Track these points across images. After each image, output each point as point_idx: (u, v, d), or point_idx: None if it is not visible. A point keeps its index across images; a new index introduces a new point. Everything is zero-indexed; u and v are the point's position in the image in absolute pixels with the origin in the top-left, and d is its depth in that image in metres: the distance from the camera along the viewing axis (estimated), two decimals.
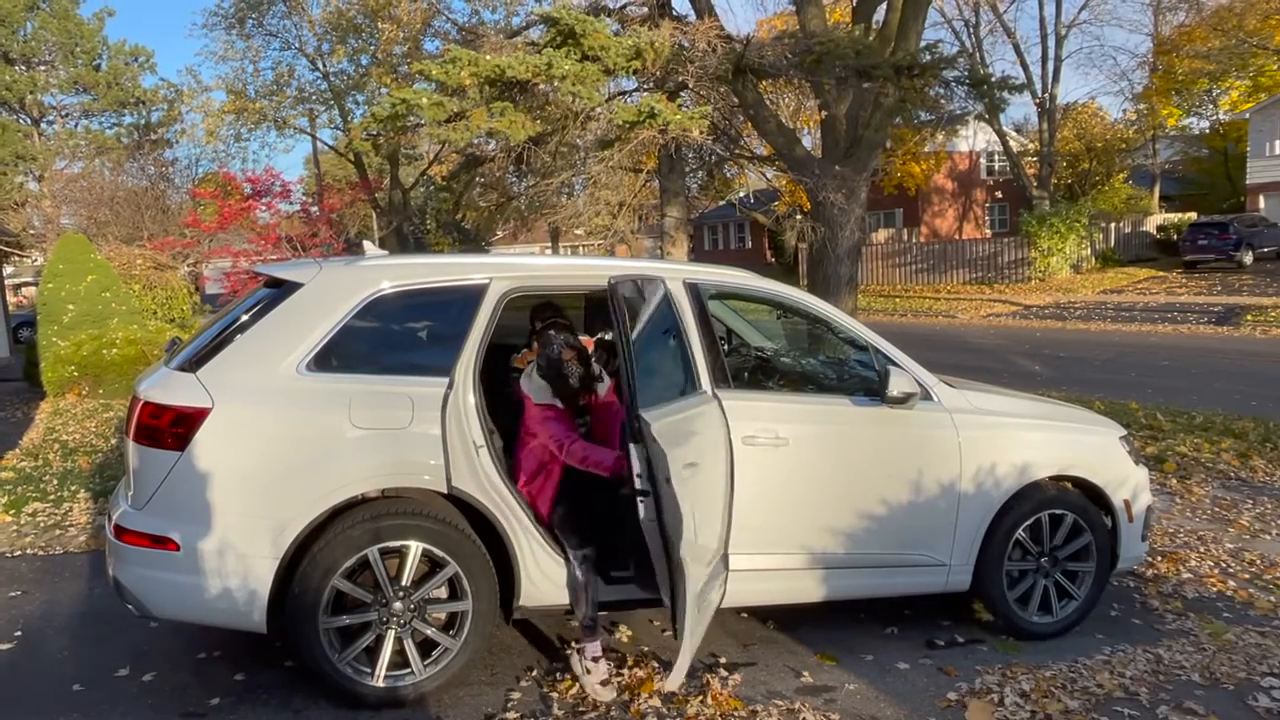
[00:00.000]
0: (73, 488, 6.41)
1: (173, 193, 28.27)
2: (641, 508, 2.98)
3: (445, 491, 3.27)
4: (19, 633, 3.95)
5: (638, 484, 2.97)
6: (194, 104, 27.77)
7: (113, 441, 8.05)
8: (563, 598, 3.42)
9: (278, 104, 27.04)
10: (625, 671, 3.48)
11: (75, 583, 4.60)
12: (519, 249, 38.88)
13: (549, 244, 40.70)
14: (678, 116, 10.19)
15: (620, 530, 3.40)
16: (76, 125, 31.32)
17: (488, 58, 10.40)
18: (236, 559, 3.06)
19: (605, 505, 3.50)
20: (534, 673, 3.52)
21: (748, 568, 3.49)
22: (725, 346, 4.39)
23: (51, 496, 6.21)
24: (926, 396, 3.76)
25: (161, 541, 3.08)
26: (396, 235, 28.08)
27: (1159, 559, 4.89)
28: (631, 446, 2.97)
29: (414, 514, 3.25)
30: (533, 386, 3.53)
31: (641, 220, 25.27)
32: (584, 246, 41.07)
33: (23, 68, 29.78)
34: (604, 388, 3.75)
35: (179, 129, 31.20)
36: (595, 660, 3.37)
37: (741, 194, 28.33)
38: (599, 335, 5.09)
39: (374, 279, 3.37)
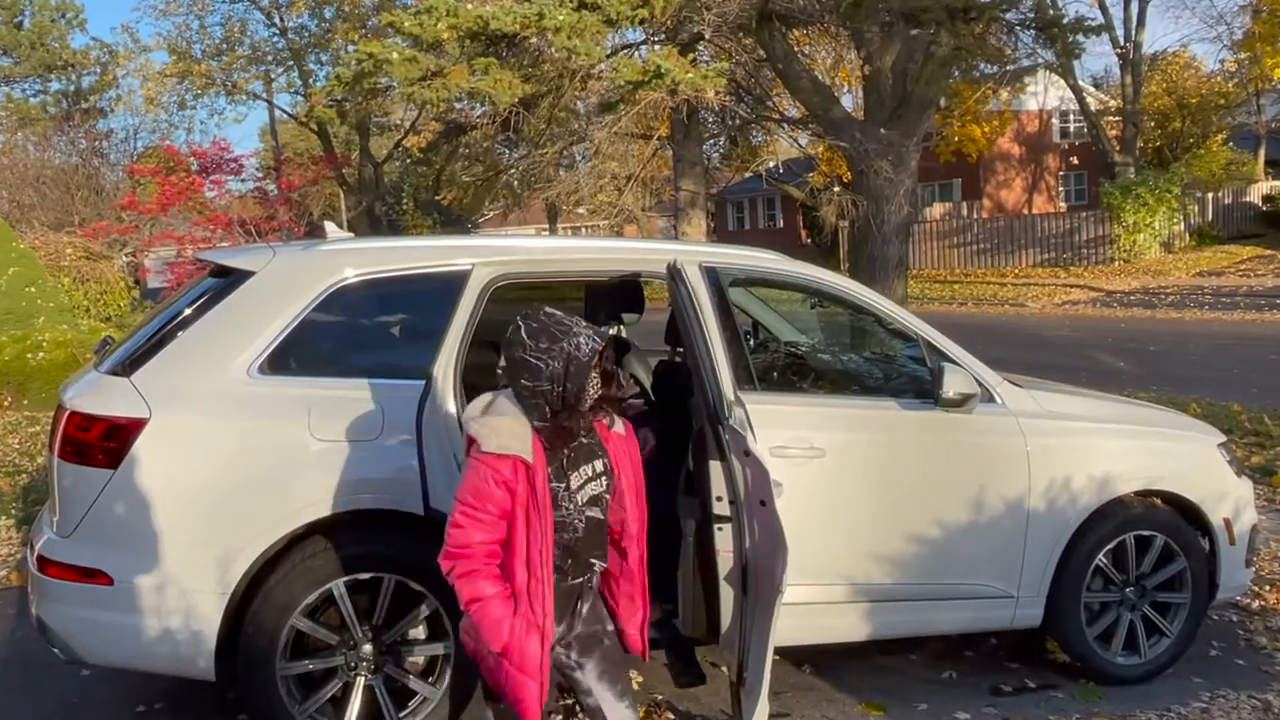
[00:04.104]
0: None
1: (107, 170, 28.48)
2: (719, 537, 3.00)
3: (423, 514, 3.27)
4: None
5: (718, 509, 2.98)
6: (131, 67, 27.98)
7: (39, 460, 8.12)
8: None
9: (228, 65, 27.21)
10: None
11: None
12: (510, 231, 38.99)
13: (545, 225, 40.75)
14: (689, 75, 10.19)
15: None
16: None
17: (469, 7, 10.44)
18: (179, 595, 3.07)
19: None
20: None
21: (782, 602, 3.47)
22: (750, 342, 4.39)
23: None
24: (988, 398, 3.74)
25: (92, 575, 3.09)
26: (368, 216, 28.23)
27: (1266, 588, 4.84)
28: (713, 465, 3.00)
29: (386, 540, 3.25)
30: (473, 410, 2.41)
31: (653, 196, 25.24)
32: (586, 227, 41.11)
33: None
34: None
35: (114, 96, 31.43)
36: None
37: (770, 164, 28.25)
38: (603, 330, 5.09)
39: (337, 266, 3.38)
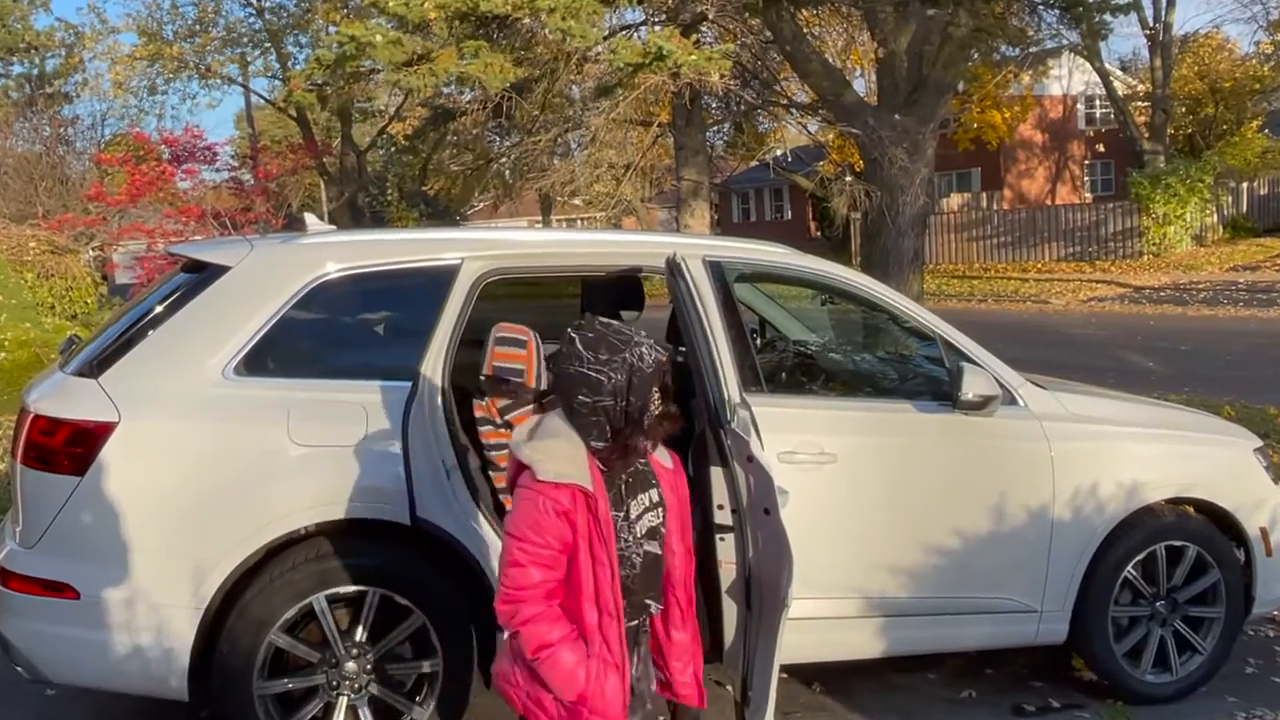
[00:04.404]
0: None
1: (73, 159, 28.47)
2: (721, 547, 3.00)
3: (409, 523, 3.27)
4: None
5: (719, 518, 2.99)
6: (98, 49, 27.91)
7: (1, 466, 8.11)
8: None
9: (201, 48, 27.19)
10: None
11: None
12: (501, 223, 39.00)
13: (538, 217, 40.74)
14: (692, 57, 10.19)
15: None
16: None
17: None
18: (150, 610, 3.07)
19: None
20: None
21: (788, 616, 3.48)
22: (757, 341, 4.39)
23: None
24: (1010, 400, 3.74)
25: (57, 588, 3.09)
26: (350, 208, 28.23)
27: None
28: (715, 471, 3.01)
29: (370, 552, 3.25)
30: (521, 434, 2.31)
31: (653, 186, 25.25)
32: (582, 219, 41.10)
33: None
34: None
35: (80, 80, 31.38)
36: None
37: (778, 152, 28.26)
38: None
39: (317, 260, 3.38)
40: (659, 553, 2.35)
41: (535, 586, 2.13)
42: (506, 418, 3.55)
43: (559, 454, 2.17)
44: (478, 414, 3.56)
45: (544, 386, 3.45)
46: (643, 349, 2.23)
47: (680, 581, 2.43)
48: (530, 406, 3.50)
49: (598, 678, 2.16)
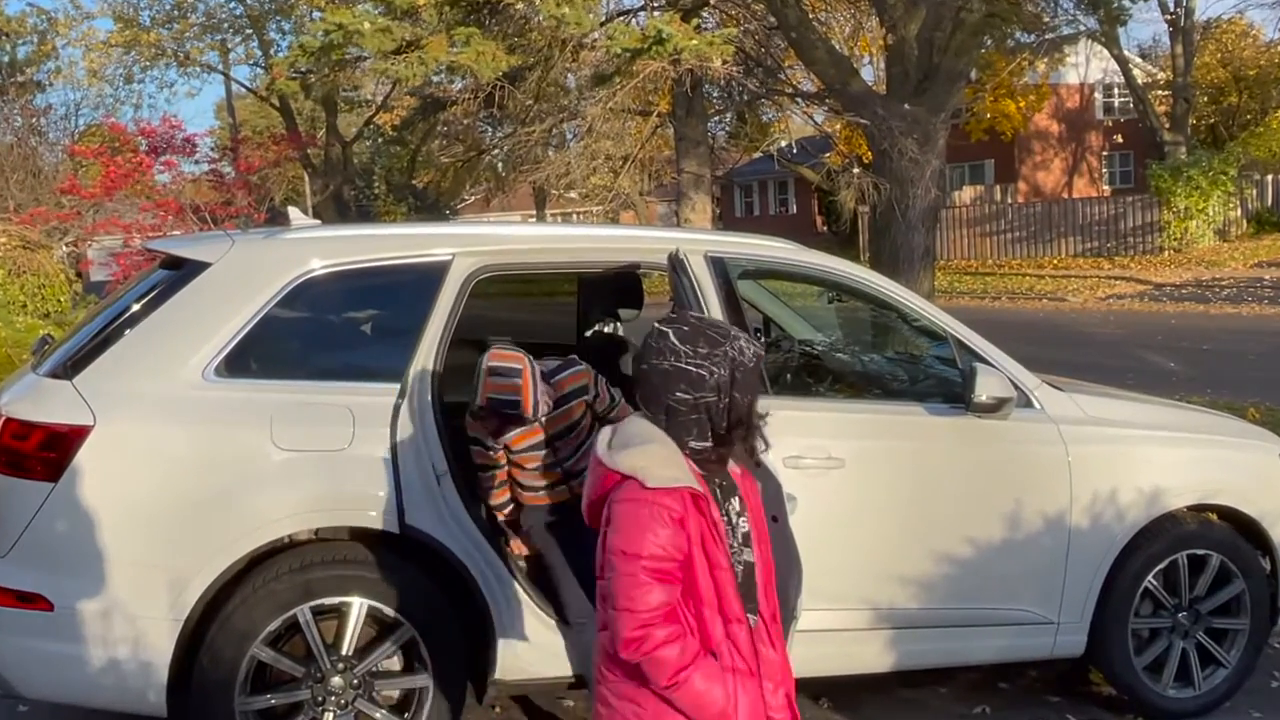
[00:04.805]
0: None
1: (46, 150, 28.42)
2: None
3: (397, 531, 3.27)
4: None
5: None
6: (72, 35, 27.86)
7: None
8: (552, 669, 3.42)
9: (180, 34, 27.15)
10: None
11: None
12: (494, 218, 39.02)
13: (532, 211, 40.75)
14: (693, 42, 10.19)
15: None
16: None
17: None
18: (126, 622, 3.07)
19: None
20: None
21: (793, 629, 3.48)
22: (761, 340, 4.39)
23: None
24: (1025, 403, 3.74)
25: (30, 599, 3.08)
26: (335, 201, 28.21)
27: None
28: None
29: (357, 561, 3.25)
30: (607, 442, 2.18)
31: (652, 179, 25.27)
32: (578, 213, 41.12)
33: None
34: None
35: (53, 68, 31.32)
36: None
37: (783, 143, 28.29)
38: (598, 329, 5.10)
39: (302, 256, 3.38)
40: (754, 561, 2.29)
41: (660, 607, 2.03)
42: (503, 440, 3.51)
43: (662, 457, 2.09)
44: (470, 432, 3.54)
45: (541, 415, 3.44)
46: (741, 342, 2.17)
47: (768, 588, 2.35)
48: (529, 426, 3.48)
49: (737, 691, 2.11)
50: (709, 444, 2.14)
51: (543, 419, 3.46)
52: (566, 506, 3.56)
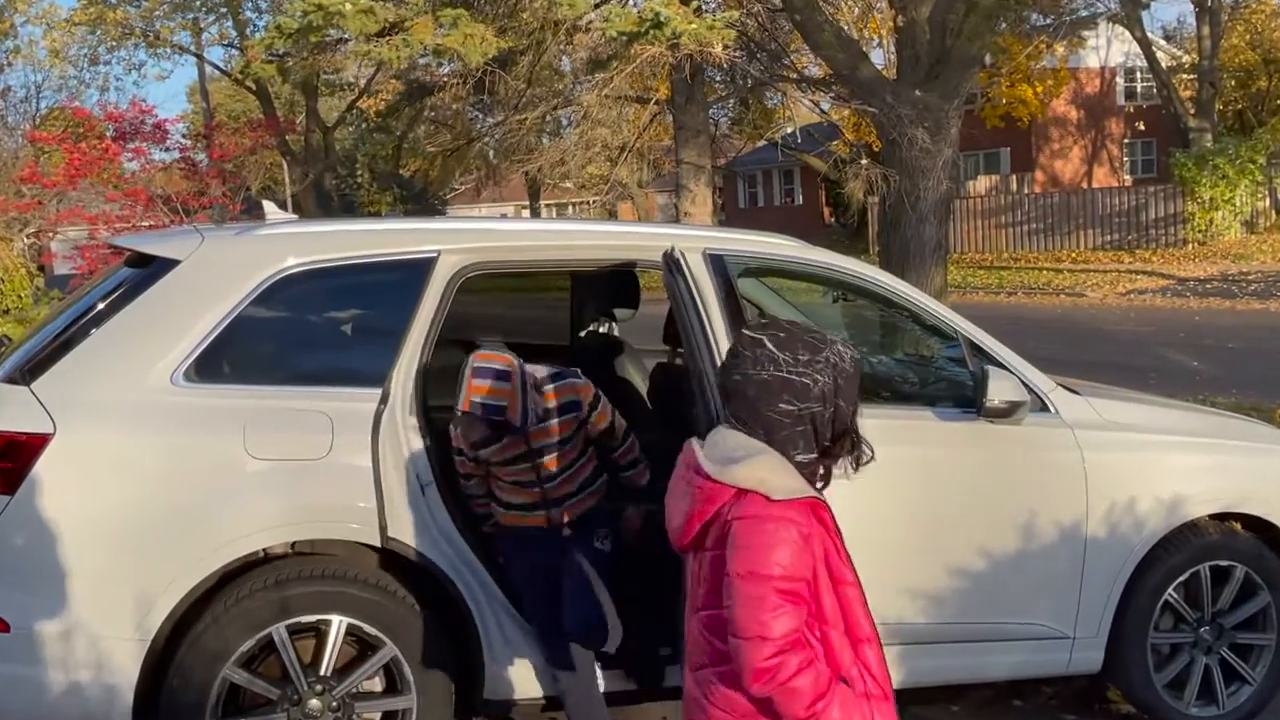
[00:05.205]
0: None
1: (5, 135, 28.41)
2: None
3: (379, 545, 3.27)
4: None
5: None
6: (32, 13, 27.81)
7: None
8: (543, 688, 3.43)
9: (149, 12, 27.11)
10: None
11: None
12: (484, 210, 39.03)
13: (525, 202, 40.75)
14: (693, 25, 10.19)
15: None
16: None
17: None
18: (89, 642, 3.06)
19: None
20: None
21: None
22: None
23: None
24: (1039, 406, 3.75)
25: None
26: (316, 191, 28.23)
27: None
28: None
29: (336, 577, 3.25)
30: (717, 455, 2.11)
31: (651, 169, 25.28)
32: (574, 205, 41.12)
33: None
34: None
35: (11, 47, 31.23)
36: None
37: (788, 131, 28.30)
38: (592, 329, 5.10)
39: (277, 253, 3.37)
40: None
41: (793, 632, 1.95)
42: (484, 453, 3.41)
43: (781, 468, 2.03)
44: (454, 443, 3.46)
45: (531, 423, 3.33)
46: (838, 346, 2.13)
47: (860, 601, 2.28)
48: (509, 439, 3.36)
49: (876, 714, 2.05)
50: (814, 456, 2.09)
51: (533, 427, 3.37)
52: (543, 533, 3.48)
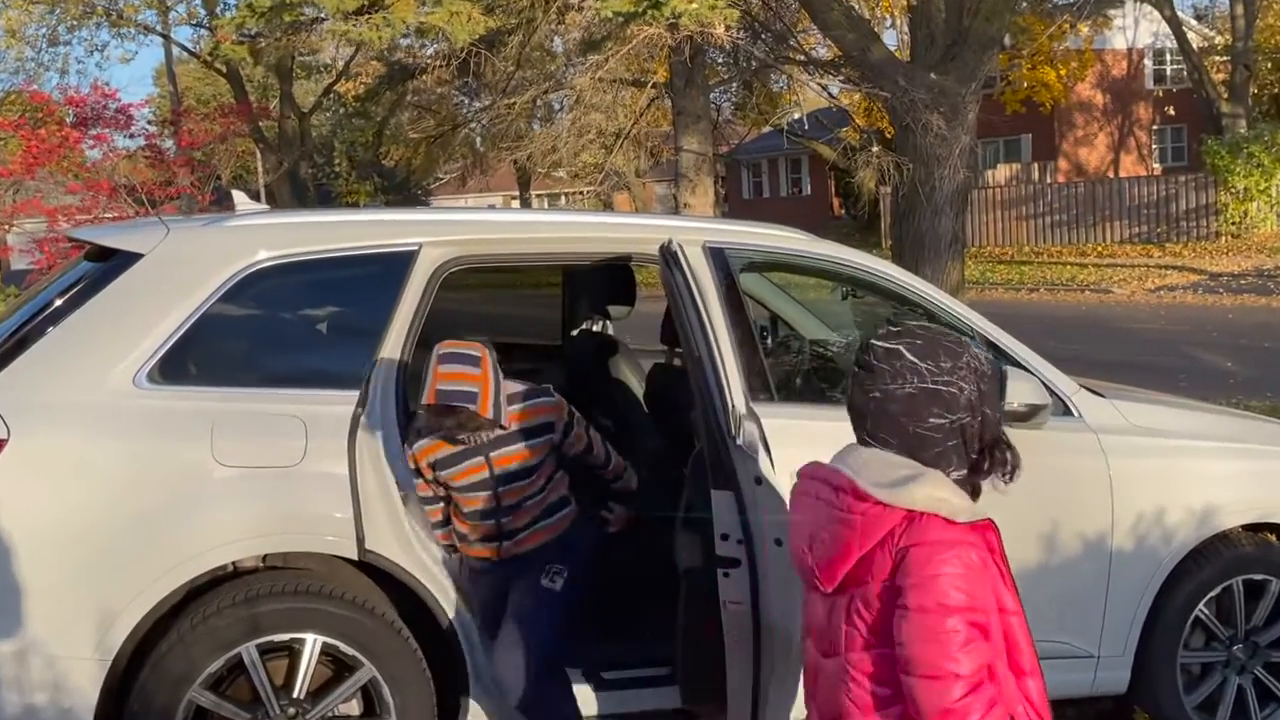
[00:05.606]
0: None
1: None
2: (724, 585, 2.99)
3: (357, 558, 3.27)
4: None
5: (723, 550, 2.98)
6: None
7: None
8: None
9: None
10: None
11: None
12: (470, 200, 39.04)
13: (514, 192, 40.79)
14: (694, 5, 10.20)
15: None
16: None
17: None
18: (45, 663, 3.05)
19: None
20: None
21: None
22: (767, 341, 4.39)
23: None
24: (1062, 410, 3.76)
25: None
26: (291, 180, 28.25)
27: None
28: (717, 495, 2.99)
29: (310, 593, 3.24)
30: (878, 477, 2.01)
31: (649, 156, 25.30)
32: (566, 195, 41.17)
33: None
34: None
35: None
36: None
37: (794, 117, 28.39)
38: (586, 327, 5.10)
39: (247, 246, 3.37)
40: None
41: (984, 669, 1.90)
42: (440, 474, 3.30)
43: (954, 487, 1.96)
44: (408, 462, 3.31)
45: (504, 418, 3.23)
46: (975, 349, 2.06)
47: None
48: (469, 463, 3.26)
49: None
50: (965, 472, 2.01)
51: (494, 453, 3.27)
52: (491, 567, 3.42)
